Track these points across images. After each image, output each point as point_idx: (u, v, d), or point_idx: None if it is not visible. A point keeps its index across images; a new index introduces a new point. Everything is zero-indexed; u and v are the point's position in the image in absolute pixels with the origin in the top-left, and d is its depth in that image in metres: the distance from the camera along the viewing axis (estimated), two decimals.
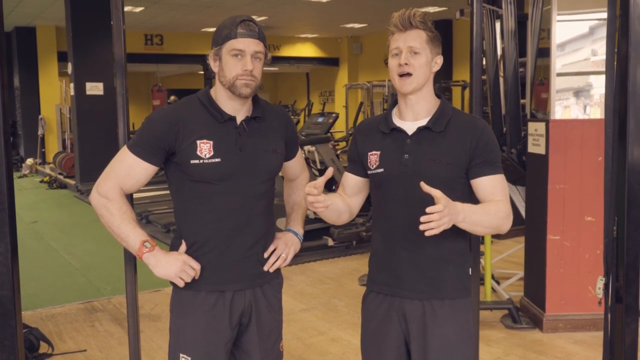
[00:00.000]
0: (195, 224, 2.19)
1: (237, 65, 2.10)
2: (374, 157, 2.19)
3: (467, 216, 1.94)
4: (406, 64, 2.08)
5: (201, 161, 2.11)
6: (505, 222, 2.05)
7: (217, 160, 2.12)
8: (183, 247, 2.19)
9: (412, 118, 2.17)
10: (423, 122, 2.14)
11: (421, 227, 1.86)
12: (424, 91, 2.15)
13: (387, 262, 2.19)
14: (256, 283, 2.25)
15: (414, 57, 2.08)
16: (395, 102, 2.23)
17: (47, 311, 5.26)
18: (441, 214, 1.83)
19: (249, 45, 2.11)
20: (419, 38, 2.09)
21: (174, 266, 2.13)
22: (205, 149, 2.11)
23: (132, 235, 2.12)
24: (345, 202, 2.25)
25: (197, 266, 2.15)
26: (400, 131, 2.16)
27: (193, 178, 2.14)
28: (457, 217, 1.90)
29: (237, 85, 2.11)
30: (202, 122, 2.14)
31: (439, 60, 2.16)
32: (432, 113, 2.15)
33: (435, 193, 1.86)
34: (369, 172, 2.21)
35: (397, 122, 2.19)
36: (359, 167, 2.26)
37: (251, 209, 2.19)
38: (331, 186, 9.27)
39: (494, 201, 2.06)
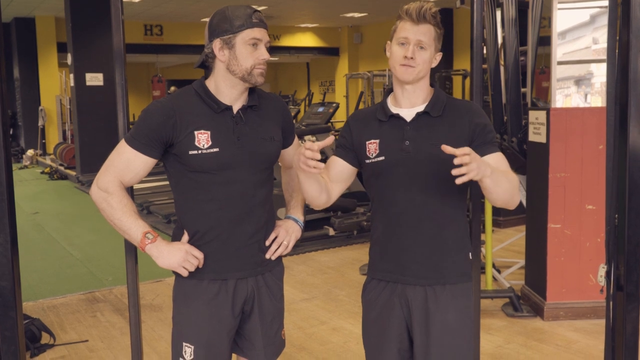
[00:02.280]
0: (196, 214, 2.19)
1: (254, 54, 2.13)
2: (372, 146, 2.18)
3: (493, 173, 1.91)
4: (412, 57, 2.08)
5: (200, 152, 2.11)
6: (516, 194, 2.08)
7: (215, 150, 2.12)
8: (185, 237, 2.19)
9: (408, 105, 2.18)
10: (421, 107, 2.16)
11: (453, 172, 1.82)
12: (421, 82, 2.17)
13: (389, 249, 2.20)
14: (258, 271, 2.26)
15: (420, 51, 2.10)
16: (389, 92, 2.24)
17: (49, 302, 5.28)
18: (470, 157, 1.80)
19: (264, 35, 2.15)
20: (429, 34, 2.10)
21: (177, 256, 2.13)
22: (203, 139, 2.11)
23: (134, 228, 2.12)
24: (327, 183, 2.20)
25: (200, 255, 2.16)
26: (399, 118, 2.17)
27: (192, 169, 2.14)
28: (485, 169, 1.87)
29: (255, 74, 2.14)
30: (198, 113, 2.14)
31: (438, 57, 2.18)
32: (427, 100, 2.18)
33: (457, 150, 1.82)
34: (367, 161, 2.20)
35: (395, 109, 2.19)
36: (350, 155, 2.24)
37: (251, 197, 2.20)
38: None
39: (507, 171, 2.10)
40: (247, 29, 2.11)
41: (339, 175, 2.25)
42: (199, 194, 2.17)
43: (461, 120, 2.13)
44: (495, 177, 1.93)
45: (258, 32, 2.13)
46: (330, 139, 1.98)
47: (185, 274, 2.16)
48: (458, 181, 1.84)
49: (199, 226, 2.19)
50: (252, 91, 2.23)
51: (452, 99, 2.21)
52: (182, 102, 2.16)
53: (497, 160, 2.11)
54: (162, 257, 2.13)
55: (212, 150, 2.11)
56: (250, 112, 2.21)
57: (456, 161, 1.81)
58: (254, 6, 2.17)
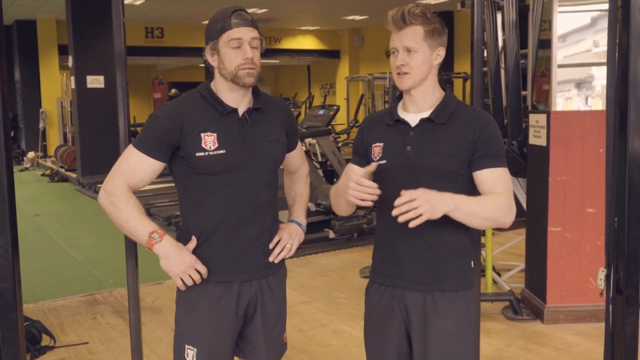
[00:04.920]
0: (202, 217, 2.19)
1: (237, 55, 2.12)
2: (377, 149, 2.19)
3: (460, 205, 1.94)
4: (402, 64, 2.08)
5: (206, 153, 2.12)
6: (504, 215, 2.03)
7: (222, 152, 2.13)
8: (193, 243, 2.19)
9: (415, 110, 2.17)
10: (426, 114, 2.14)
11: (399, 220, 1.90)
12: (426, 85, 2.14)
13: (389, 253, 2.20)
14: (262, 274, 2.27)
15: (410, 56, 2.07)
16: (401, 95, 2.23)
17: (49, 304, 5.28)
18: (409, 205, 1.86)
19: (246, 33, 2.12)
20: (415, 36, 2.06)
21: (181, 267, 2.12)
22: (209, 141, 2.12)
23: (141, 228, 2.11)
24: None
25: (203, 270, 2.16)
26: (404, 123, 2.16)
27: (199, 171, 2.15)
28: (445, 206, 1.91)
29: (240, 75, 2.13)
30: (204, 115, 2.15)
31: (441, 52, 2.13)
32: (435, 105, 2.15)
33: (401, 198, 1.90)
34: (372, 163, 2.21)
35: (402, 114, 2.19)
36: (363, 159, 2.26)
37: (257, 199, 2.21)
38: (332, 179, 9.28)
39: (493, 194, 2.05)
40: (226, 31, 2.11)
41: None
42: (206, 195, 2.17)
43: (466, 129, 2.09)
44: (465, 209, 1.95)
45: (238, 32, 2.11)
46: (374, 166, 2.08)
47: (180, 284, 2.16)
48: (411, 225, 1.89)
49: (205, 228, 2.19)
50: (257, 94, 2.25)
51: (464, 107, 2.17)
52: (188, 105, 2.17)
53: (494, 176, 2.07)
54: (166, 260, 2.12)
55: (218, 152, 2.12)
56: (255, 114, 2.22)
57: (394, 212, 1.89)
58: (253, 9, 2.17)
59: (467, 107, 2.19)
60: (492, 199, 2.02)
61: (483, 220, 2.02)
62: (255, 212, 2.21)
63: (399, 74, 2.10)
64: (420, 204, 1.86)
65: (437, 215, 1.90)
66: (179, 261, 2.12)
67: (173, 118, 2.13)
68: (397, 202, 1.89)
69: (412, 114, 2.17)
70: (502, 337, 4.29)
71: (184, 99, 2.22)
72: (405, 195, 1.88)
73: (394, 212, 1.89)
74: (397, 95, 2.25)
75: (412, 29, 2.07)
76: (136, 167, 2.14)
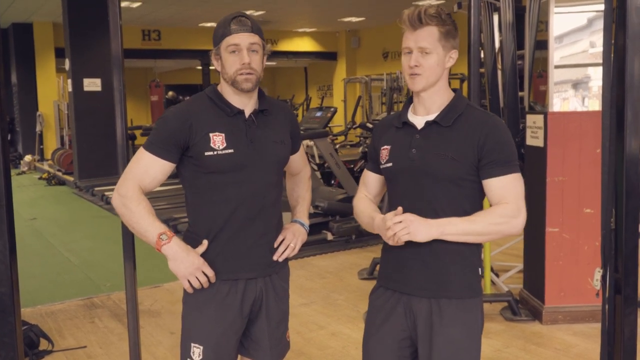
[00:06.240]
0: (210, 215, 2.23)
1: (236, 60, 2.18)
2: (385, 152, 2.19)
3: (446, 230, 2.00)
4: (416, 65, 2.05)
5: (215, 153, 2.17)
6: (507, 227, 2.06)
7: (230, 151, 2.18)
8: (203, 247, 2.21)
9: (423, 112, 2.14)
10: (432, 116, 2.12)
11: (388, 241, 2.02)
12: (437, 87, 2.11)
13: (395, 258, 2.17)
14: (267, 272, 2.31)
15: (424, 57, 2.05)
16: (411, 99, 2.22)
17: (47, 308, 5.26)
18: (401, 224, 1.98)
19: (244, 39, 2.17)
20: (430, 37, 2.04)
21: (186, 269, 2.15)
22: (218, 140, 2.18)
23: (151, 229, 2.14)
24: (374, 204, 2.31)
25: (210, 273, 2.18)
26: (411, 126, 2.15)
27: (207, 170, 2.19)
28: (427, 232, 1.99)
29: (238, 80, 2.19)
30: (212, 116, 2.21)
31: (454, 55, 2.11)
32: (443, 107, 2.12)
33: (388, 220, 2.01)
34: (380, 166, 2.21)
35: (410, 116, 2.18)
36: (376, 163, 2.26)
37: (263, 198, 2.25)
38: (330, 181, 9.28)
39: (491, 207, 2.05)
40: (226, 37, 2.18)
41: (375, 188, 2.34)
42: (214, 195, 2.21)
43: (473, 134, 2.05)
44: (454, 231, 2.01)
45: (237, 38, 2.16)
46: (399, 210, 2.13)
47: (186, 286, 2.18)
48: (390, 243, 2.03)
49: (213, 226, 2.23)
50: (263, 97, 2.31)
51: (473, 110, 2.13)
52: (196, 106, 2.23)
53: (502, 185, 2.05)
54: (174, 262, 2.15)
55: (227, 151, 2.17)
56: (261, 116, 2.28)
57: (389, 232, 2.00)
58: (250, 10, 2.20)
59: (476, 110, 2.15)
60: (487, 214, 2.04)
61: (480, 236, 2.06)
62: (261, 210, 2.25)
63: (411, 75, 2.07)
64: (398, 229, 1.97)
65: (419, 240, 1.99)
66: (186, 263, 2.15)
67: (182, 118, 2.18)
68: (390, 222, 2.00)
69: (420, 117, 2.15)
70: (500, 338, 4.29)
71: (192, 101, 2.28)
72: (389, 219, 2.00)
73: (388, 233, 2.01)
74: (408, 98, 2.24)
75: (427, 29, 2.04)
76: (147, 169, 2.19)
